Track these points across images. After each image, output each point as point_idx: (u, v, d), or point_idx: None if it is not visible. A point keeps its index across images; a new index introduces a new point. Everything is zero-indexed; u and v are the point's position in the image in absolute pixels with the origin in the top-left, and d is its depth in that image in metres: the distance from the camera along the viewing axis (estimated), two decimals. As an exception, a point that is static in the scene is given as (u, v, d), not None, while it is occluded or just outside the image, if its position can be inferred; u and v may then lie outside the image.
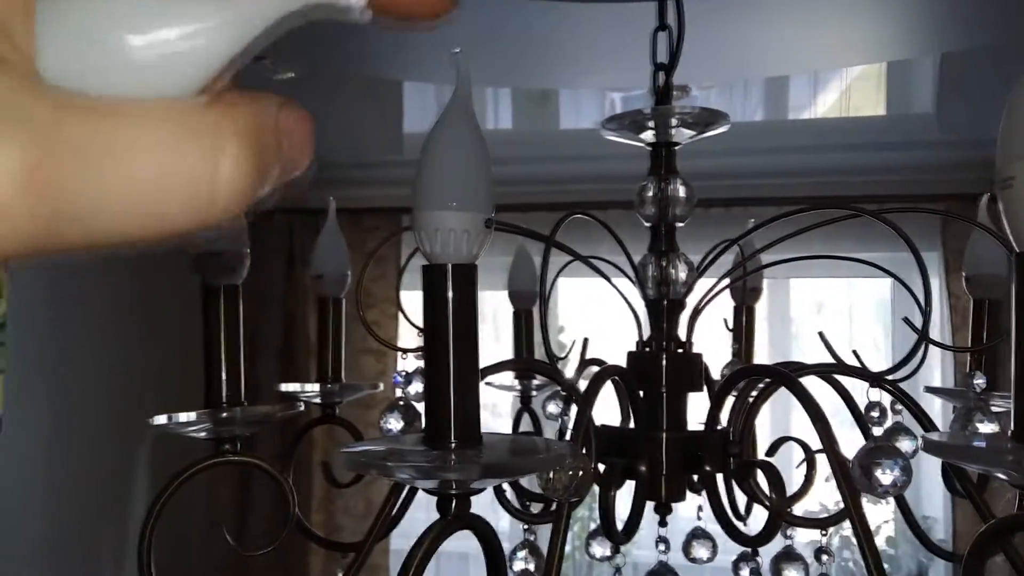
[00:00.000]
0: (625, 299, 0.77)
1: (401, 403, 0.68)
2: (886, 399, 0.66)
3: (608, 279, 0.78)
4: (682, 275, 0.76)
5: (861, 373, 0.61)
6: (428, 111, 2.78)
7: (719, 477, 0.75)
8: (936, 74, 2.37)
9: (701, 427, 0.77)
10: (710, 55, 1.77)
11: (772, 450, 0.71)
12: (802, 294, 2.65)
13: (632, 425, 0.75)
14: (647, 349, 0.76)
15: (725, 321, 0.99)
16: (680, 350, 0.75)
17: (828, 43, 1.78)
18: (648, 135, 0.79)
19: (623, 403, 0.79)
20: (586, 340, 0.85)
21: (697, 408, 0.80)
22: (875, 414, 0.58)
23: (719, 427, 0.73)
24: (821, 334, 0.65)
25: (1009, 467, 0.40)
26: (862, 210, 0.65)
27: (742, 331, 1.03)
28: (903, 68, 2.55)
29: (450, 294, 0.46)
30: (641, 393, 0.75)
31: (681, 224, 0.78)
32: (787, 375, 0.61)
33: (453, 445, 0.44)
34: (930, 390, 0.92)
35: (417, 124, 2.71)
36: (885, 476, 0.52)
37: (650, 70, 0.82)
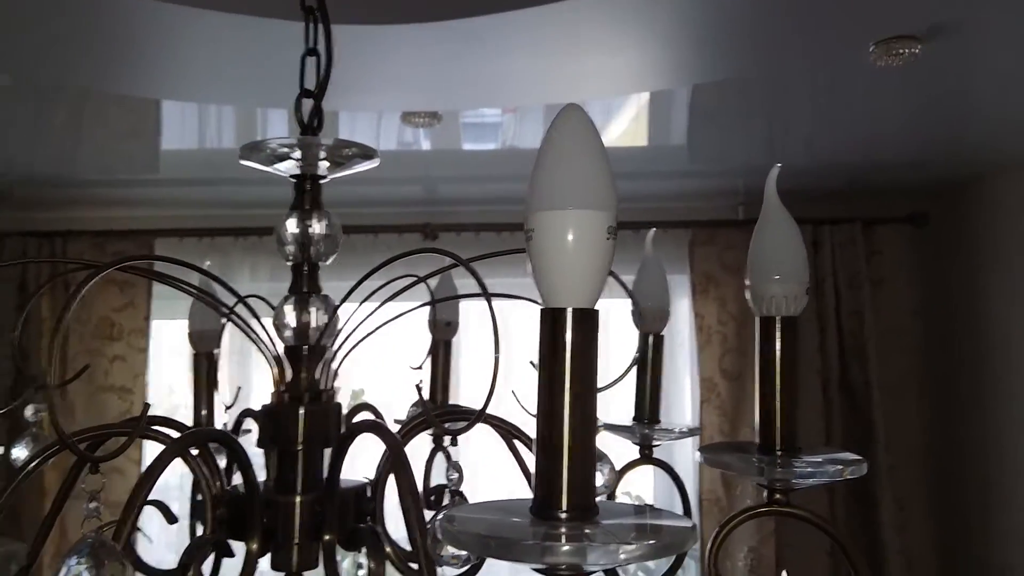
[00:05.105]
0: (259, 345, 0.70)
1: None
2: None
3: (238, 324, 0.71)
4: (322, 319, 0.70)
5: (466, 416, 0.57)
6: (188, 130, 2.60)
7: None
8: (688, 106, 2.49)
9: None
10: (481, 83, 1.75)
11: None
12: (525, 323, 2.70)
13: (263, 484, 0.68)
14: (281, 400, 0.69)
15: (414, 369, 0.94)
16: (317, 401, 0.69)
17: (590, 73, 1.82)
18: (290, 166, 0.73)
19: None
20: (239, 388, 0.78)
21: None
22: (454, 475, 0.55)
23: (353, 485, 0.67)
24: (418, 386, 0.61)
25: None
26: (431, 249, 0.62)
27: (439, 368, 0.99)
28: (665, 99, 2.66)
29: None
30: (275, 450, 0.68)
31: (325, 263, 0.72)
32: (380, 426, 0.57)
33: None
34: (608, 427, 0.91)
35: (175, 142, 2.54)
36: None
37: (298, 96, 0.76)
